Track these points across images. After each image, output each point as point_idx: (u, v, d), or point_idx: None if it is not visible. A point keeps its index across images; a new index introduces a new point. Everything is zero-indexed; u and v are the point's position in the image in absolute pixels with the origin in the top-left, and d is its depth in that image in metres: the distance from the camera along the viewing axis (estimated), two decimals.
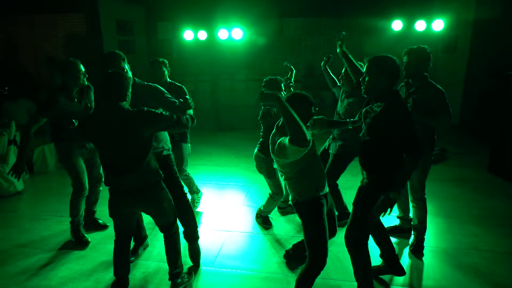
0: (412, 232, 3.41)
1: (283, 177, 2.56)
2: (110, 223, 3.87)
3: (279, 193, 3.65)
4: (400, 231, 3.61)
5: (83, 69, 3.30)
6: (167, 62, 3.88)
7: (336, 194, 3.80)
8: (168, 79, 3.87)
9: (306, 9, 8.14)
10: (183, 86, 3.86)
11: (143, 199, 2.49)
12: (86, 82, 3.37)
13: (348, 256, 2.59)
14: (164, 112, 2.49)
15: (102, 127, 2.37)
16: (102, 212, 4.00)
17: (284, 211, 4.14)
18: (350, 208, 3.16)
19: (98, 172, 3.74)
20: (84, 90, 3.42)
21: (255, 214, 3.99)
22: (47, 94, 3.39)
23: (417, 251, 3.31)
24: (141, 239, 3.37)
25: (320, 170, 2.51)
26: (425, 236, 3.36)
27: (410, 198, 3.36)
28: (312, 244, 2.41)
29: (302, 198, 2.42)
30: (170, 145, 3.20)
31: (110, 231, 3.72)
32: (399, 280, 2.96)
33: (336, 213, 3.85)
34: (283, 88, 3.50)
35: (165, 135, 3.15)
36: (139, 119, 2.34)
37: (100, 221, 3.90)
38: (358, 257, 2.55)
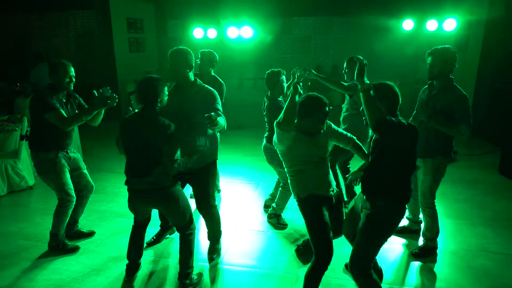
0: (422, 238, 3.35)
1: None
2: (96, 229, 3.69)
3: None
4: (409, 231, 3.59)
5: (72, 73, 3.13)
6: (217, 55, 3.91)
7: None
8: (213, 73, 3.94)
9: (316, 8, 8.12)
10: (224, 84, 3.86)
11: (155, 200, 2.67)
12: (72, 87, 3.15)
13: None
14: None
15: (135, 128, 2.55)
16: (112, 209, 4.05)
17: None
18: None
19: (88, 180, 3.47)
20: (71, 96, 3.24)
21: (266, 215, 3.95)
22: (35, 94, 3.14)
23: (418, 255, 3.21)
24: (168, 227, 3.52)
25: (321, 171, 2.59)
26: (433, 243, 3.22)
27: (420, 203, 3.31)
28: (314, 240, 2.48)
29: (301, 195, 2.57)
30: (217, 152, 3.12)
31: (119, 228, 3.77)
32: (408, 281, 2.95)
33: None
34: (285, 80, 3.50)
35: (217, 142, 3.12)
36: (164, 136, 2.50)
37: (85, 230, 3.61)
38: (365, 282, 2.41)
